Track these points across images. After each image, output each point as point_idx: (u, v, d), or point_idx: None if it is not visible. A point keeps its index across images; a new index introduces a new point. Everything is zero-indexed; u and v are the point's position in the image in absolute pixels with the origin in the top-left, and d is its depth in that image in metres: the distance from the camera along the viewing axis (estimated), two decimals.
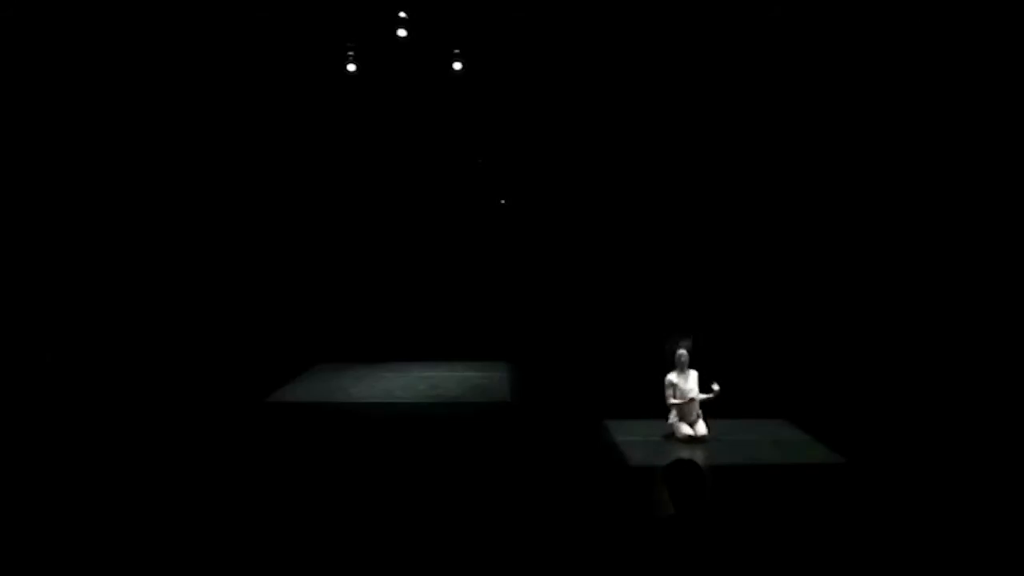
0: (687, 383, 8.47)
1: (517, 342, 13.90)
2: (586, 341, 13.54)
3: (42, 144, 11.94)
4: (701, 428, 8.44)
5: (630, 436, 8.56)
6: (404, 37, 11.91)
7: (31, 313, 11.57)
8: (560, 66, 12.87)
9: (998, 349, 10.53)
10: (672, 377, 8.51)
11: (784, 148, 12.88)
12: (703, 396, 8.46)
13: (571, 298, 14.16)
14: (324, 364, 13.12)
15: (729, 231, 13.43)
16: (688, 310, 9.40)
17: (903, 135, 11.87)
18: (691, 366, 8.54)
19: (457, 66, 12.55)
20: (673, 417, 8.51)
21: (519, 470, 7.40)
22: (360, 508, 6.32)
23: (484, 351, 13.72)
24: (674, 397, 8.47)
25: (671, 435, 8.46)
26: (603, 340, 13.37)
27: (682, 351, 8.48)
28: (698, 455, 7.50)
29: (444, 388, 11.38)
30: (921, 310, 11.56)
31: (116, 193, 12.73)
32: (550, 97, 13.44)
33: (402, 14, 11.76)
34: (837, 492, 6.82)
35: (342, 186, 14.55)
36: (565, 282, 14.30)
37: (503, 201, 14.99)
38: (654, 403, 8.66)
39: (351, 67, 12.50)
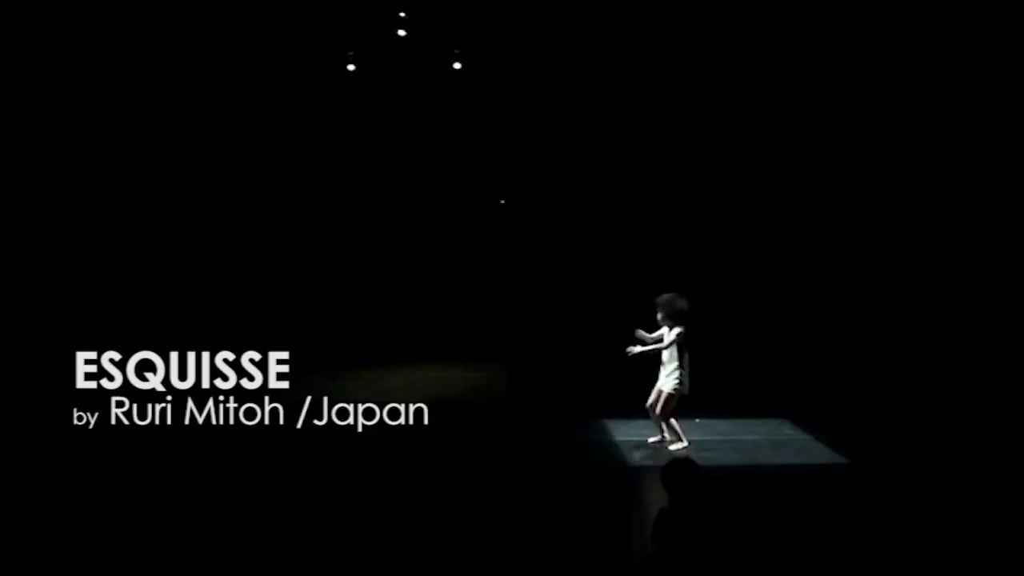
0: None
1: (516, 342, 13.88)
2: (585, 341, 13.50)
3: (44, 145, 11.95)
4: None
5: (630, 436, 8.54)
6: (404, 37, 11.91)
7: (35, 314, 11.59)
8: (558, 67, 12.85)
9: (999, 348, 10.52)
10: None
11: (785, 147, 12.86)
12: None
13: (570, 298, 14.12)
14: (323, 364, 13.09)
15: (728, 231, 13.40)
16: (687, 309, 9.41)
17: (904, 133, 11.86)
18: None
19: (457, 66, 12.53)
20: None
21: (518, 470, 7.39)
22: (359, 507, 6.32)
23: (483, 351, 13.69)
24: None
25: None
26: (602, 340, 13.33)
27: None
28: (697, 455, 7.48)
29: (443, 388, 11.37)
30: (922, 309, 11.55)
31: (118, 195, 12.72)
32: (547, 98, 13.41)
33: (402, 14, 11.75)
34: (838, 493, 6.80)
35: (342, 188, 14.51)
36: (564, 282, 14.26)
37: (503, 201, 14.97)
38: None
39: (350, 67, 12.49)
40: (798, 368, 11.12)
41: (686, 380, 7.99)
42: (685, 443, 8.05)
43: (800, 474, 7.35)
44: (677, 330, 8.01)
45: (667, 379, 8.01)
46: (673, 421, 8.10)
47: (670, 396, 8.00)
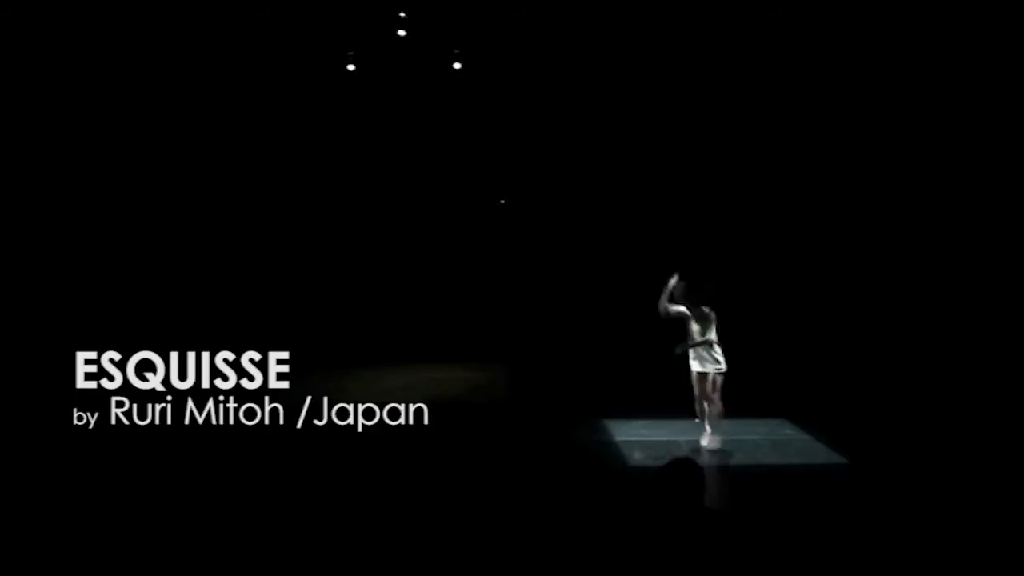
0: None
1: (516, 342, 13.88)
2: (585, 340, 13.51)
3: (44, 145, 11.95)
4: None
5: (630, 436, 8.54)
6: (404, 37, 11.92)
7: (35, 314, 11.60)
8: (558, 66, 12.85)
9: (1000, 347, 10.52)
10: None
11: (784, 148, 12.86)
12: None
13: (569, 297, 14.12)
14: (324, 364, 13.09)
15: (728, 231, 13.39)
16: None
17: (903, 133, 11.87)
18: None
19: (457, 66, 12.53)
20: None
21: (518, 470, 7.39)
22: (359, 507, 6.32)
23: (483, 351, 13.69)
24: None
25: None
26: (602, 339, 13.34)
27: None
28: (697, 455, 7.48)
29: (444, 388, 11.37)
30: (922, 308, 11.55)
31: (118, 195, 12.73)
32: (547, 97, 13.41)
33: (402, 14, 11.76)
34: (838, 493, 6.80)
35: (342, 187, 14.51)
36: (563, 282, 14.26)
37: (503, 201, 14.97)
38: (654, 402, 8.65)
39: (350, 67, 12.50)
40: (798, 368, 11.12)
41: (722, 356, 8.07)
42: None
43: (800, 474, 7.35)
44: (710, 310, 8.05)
45: (707, 362, 8.03)
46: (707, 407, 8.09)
47: (718, 377, 8.04)
